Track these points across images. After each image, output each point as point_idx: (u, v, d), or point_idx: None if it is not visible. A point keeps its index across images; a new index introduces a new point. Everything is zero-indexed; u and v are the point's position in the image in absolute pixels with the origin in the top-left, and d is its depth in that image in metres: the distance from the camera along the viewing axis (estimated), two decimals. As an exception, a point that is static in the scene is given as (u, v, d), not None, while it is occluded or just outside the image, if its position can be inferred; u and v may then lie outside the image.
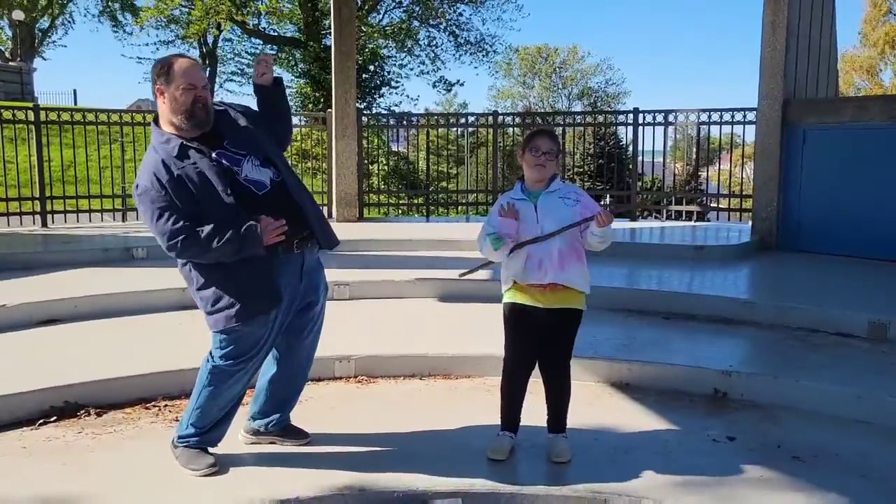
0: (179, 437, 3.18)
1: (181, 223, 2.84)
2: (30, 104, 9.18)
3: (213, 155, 2.93)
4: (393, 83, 26.68)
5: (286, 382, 3.33)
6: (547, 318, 3.18)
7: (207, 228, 2.84)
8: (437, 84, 27.54)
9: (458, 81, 28.56)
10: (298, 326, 3.23)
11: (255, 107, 3.24)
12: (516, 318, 3.23)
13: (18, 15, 30.49)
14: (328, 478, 3.06)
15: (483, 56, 27.41)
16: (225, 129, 3.03)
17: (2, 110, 8.70)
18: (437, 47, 26.76)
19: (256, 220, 2.86)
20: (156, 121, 3.03)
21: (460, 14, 26.52)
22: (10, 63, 30.30)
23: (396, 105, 26.42)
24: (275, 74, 3.17)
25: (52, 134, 8.83)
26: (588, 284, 3.23)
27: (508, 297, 3.25)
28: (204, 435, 3.15)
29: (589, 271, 3.25)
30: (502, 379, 3.33)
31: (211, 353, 3.10)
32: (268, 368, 3.32)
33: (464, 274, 3.67)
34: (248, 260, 2.91)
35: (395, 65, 26.91)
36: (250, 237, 2.84)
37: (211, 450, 3.17)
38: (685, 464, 3.22)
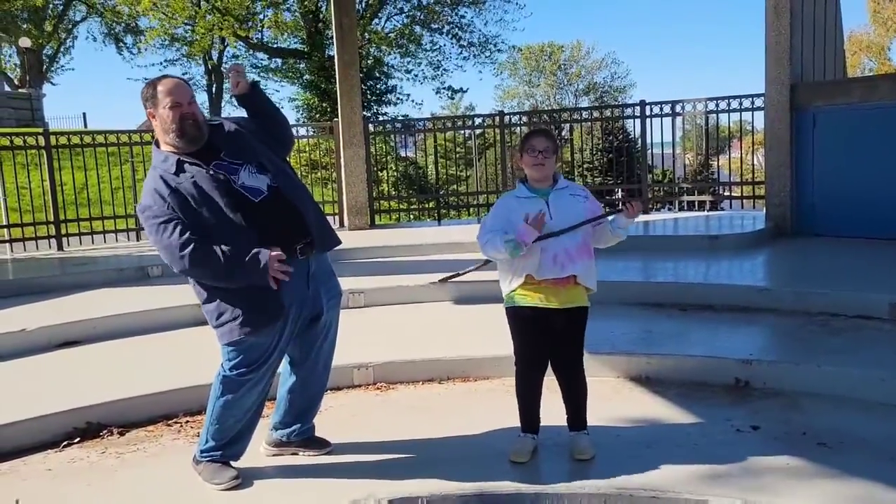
0: (201, 452, 3.18)
1: (187, 235, 2.87)
2: (40, 129, 9.26)
3: (210, 167, 2.97)
4: (398, 90, 26.75)
5: (303, 392, 3.34)
6: (559, 318, 3.15)
7: (215, 250, 2.86)
8: (440, 91, 27.56)
9: (462, 89, 28.53)
10: (311, 336, 3.23)
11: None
12: (528, 319, 3.18)
13: (25, 42, 30.82)
14: (351, 487, 3.06)
15: (486, 58, 27.40)
16: (221, 141, 3.06)
17: (13, 137, 8.80)
18: (440, 52, 26.79)
19: (265, 246, 2.89)
20: (156, 143, 3.09)
21: (462, 16, 26.55)
22: (20, 90, 30.66)
23: (403, 115, 26.46)
24: (250, 80, 3.20)
25: (63, 158, 8.90)
26: (595, 281, 3.21)
27: (518, 299, 3.17)
28: (225, 449, 3.16)
29: (597, 266, 3.24)
30: (517, 382, 3.30)
31: (222, 365, 3.12)
32: (285, 378, 3.33)
33: (446, 279, 3.63)
34: None
35: (400, 70, 26.97)
36: (254, 268, 2.87)
37: (233, 464, 3.18)
38: (709, 455, 3.19)
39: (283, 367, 3.31)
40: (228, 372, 3.07)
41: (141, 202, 2.98)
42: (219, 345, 3.09)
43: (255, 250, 2.88)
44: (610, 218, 3.20)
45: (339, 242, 3.33)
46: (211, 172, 2.95)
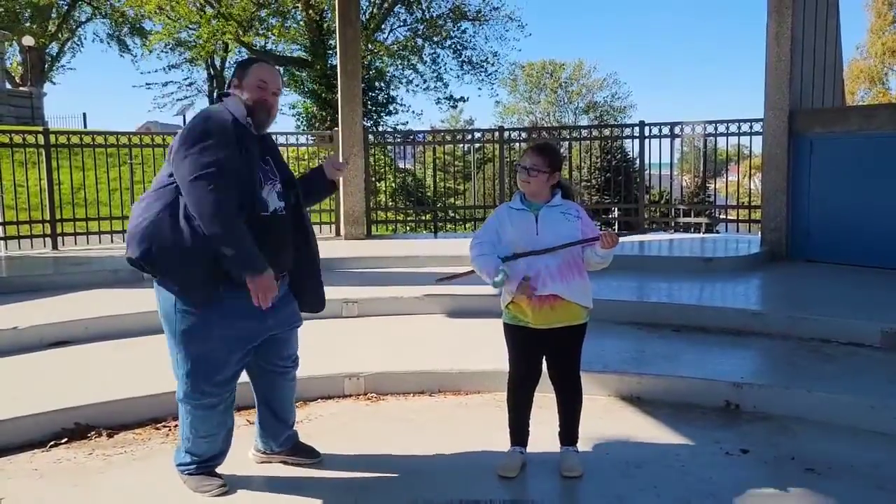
0: (179, 465, 3.15)
1: (226, 176, 2.77)
2: (40, 128, 9.26)
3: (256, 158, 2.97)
4: (399, 101, 26.82)
5: (272, 406, 3.31)
6: (548, 336, 3.17)
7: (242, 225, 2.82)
8: (440, 101, 27.66)
9: (462, 98, 28.67)
10: (275, 357, 3.21)
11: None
12: (517, 335, 3.22)
13: (28, 40, 30.87)
14: (337, 499, 3.05)
15: (485, 75, 27.51)
16: (268, 147, 3.12)
17: (13, 134, 8.80)
18: (441, 65, 26.91)
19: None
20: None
21: (464, 31, 26.69)
22: (21, 88, 30.66)
23: (403, 124, 26.54)
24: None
25: (62, 157, 8.91)
26: (590, 298, 3.21)
27: (508, 316, 3.23)
28: (204, 462, 3.13)
29: (591, 285, 3.24)
30: (508, 394, 3.32)
31: (180, 392, 3.05)
32: (256, 393, 3.31)
33: (444, 279, 3.61)
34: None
35: (400, 82, 27.05)
36: (257, 264, 2.83)
37: (219, 470, 3.16)
38: (698, 477, 3.19)
39: (254, 383, 3.29)
40: (187, 394, 3.01)
41: (200, 118, 2.88)
42: (172, 365, 3.06)
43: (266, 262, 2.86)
44: (589, 244, 3.12)
45: (321, 309, 3.29)
46: (257, 161, 2.95)
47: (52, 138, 8.72)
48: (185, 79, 30.51)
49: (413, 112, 28.97)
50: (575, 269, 3.15)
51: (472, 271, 3.33)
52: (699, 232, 9.19)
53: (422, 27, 26.15)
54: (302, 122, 25.34)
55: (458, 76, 27.44)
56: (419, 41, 26.39)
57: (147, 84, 30.78)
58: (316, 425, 3.85)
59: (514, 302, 3.18)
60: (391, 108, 26.29)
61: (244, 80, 3.02)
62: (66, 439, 3.68)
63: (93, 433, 3.76)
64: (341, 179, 9.21)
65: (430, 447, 3.56)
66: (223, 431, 3.14)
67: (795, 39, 7.30)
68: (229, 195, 2.76)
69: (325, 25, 23.54)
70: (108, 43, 34.28)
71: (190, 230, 2.79)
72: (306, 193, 3.27)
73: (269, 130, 3.20)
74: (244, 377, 3.18)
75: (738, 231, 9.16)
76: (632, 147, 10.63)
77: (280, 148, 3.61)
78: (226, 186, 2.75)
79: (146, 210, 2.86)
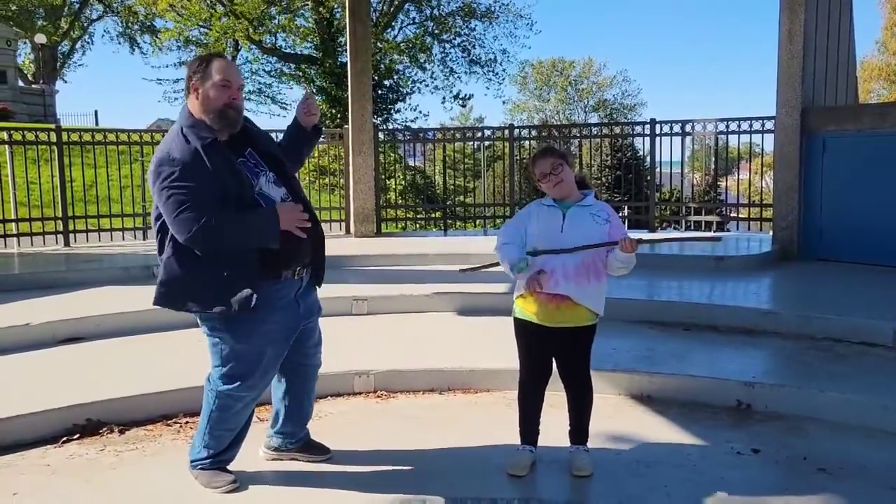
0: (194, 461, 3.16)
1: (203, 205, 2.76)
2: (52, 125, 9.31)
3: (237, 162, 2.92)
4: (408, 99, 26.86)
5: (296, 401, 3.32)
6: (555, 335, 3.16)
7: (227, 218, 2.81)
8: (445, 101, 27.64)
9: (469, 95, 28.74)
10: (302, 349, 3.22)
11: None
12: (525, 332, 3.22)
13: (41, 38, 31.06)
14: (347, 496, 3.05)
15: (494, 74, 27.51)
16: (250, 136, 3.03)
17: (25, 132, 8.86)
18: (451, 62, 26.92)
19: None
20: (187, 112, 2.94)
21: (473, 29, 26.69)
22: (34, 85, 30.88)
23: (412, 121, 26.56)
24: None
25: (74, 154, 8.95)
26: (601, 304, 3.18)
27: (517, 311, 3.22)
28: (218, 456, 3.14)
29: (606, 289, 3.21)
30: (518, 392, 3.31)
31: (212, 379, 3.08)
32: (278, 389, 3.32)
33: (468, 269, 3.60)
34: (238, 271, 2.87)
35: (409, 80, 27.07)
36: (267, 216, 2.84)
37: (230, 466, 3.17)
38: (710, 477, 3.18)
39: (287, 380, 3.30)
40: (223, 388, 3.03)
41: (172, 154, 2.79)
42: (210, 357, 3.07)
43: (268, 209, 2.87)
44: (609, 248, 3.09)
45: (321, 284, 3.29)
46: (238, 168, 2.89)
47: (65, 136, 8.76)
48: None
49: (420, 112, 29.05)
50: (592, 272, 3.11)
51: (497, 263, 3.32)
52: (710, 230, 9.13)
53: (431, 25, 26.16)
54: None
55: (467, 72, 27.43)
56: (428, 39, 26.40)
57: (158, 79, 30.95)
58: (326, 423, 3.85)
59: (524, 296, 3.17)
60: (400, 106, 26.34)
61: (206, 82, 2.86)
62: (77, 435, 3.70)
63: (104, 429, 3.78)
64: (351, 175, 9.26)
65: (440, 445, 3.56)
66: (244, 425, 3.17)
67: (808, 37, 7.25)
68: (209, 219, 2.76)
69: (336, 23, 23.57)
70: (119, 41, 34.48)
71: (195, 259, 2.86)
72: (297, 153, 3.26)
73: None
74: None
75: (749, 230, 9.11)
76: (642, 145, 10.60)
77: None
78: (203, 213, 2.75)
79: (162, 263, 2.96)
